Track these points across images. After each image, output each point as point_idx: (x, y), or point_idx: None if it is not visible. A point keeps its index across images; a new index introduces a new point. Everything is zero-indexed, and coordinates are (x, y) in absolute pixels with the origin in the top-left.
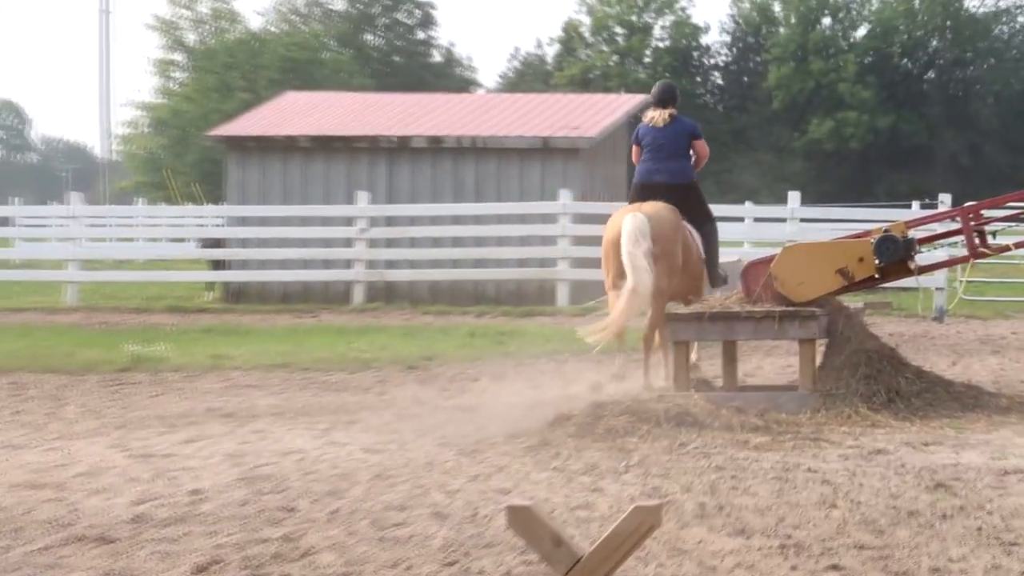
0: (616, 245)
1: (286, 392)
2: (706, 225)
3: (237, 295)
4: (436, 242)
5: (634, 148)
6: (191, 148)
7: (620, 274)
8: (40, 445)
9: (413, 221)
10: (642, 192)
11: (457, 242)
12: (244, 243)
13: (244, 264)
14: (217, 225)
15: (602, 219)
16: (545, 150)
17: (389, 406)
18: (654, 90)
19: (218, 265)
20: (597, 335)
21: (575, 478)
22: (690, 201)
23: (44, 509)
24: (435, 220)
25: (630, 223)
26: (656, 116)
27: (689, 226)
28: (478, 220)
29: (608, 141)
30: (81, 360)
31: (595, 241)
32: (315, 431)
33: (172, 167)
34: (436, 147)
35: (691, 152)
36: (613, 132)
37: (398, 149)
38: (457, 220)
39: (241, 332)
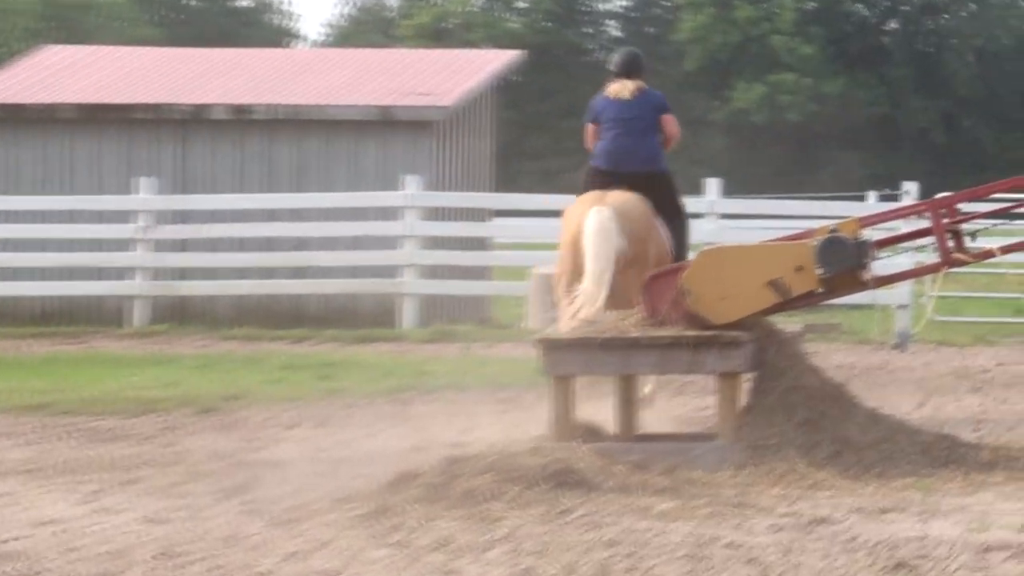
0: (576, 244)
1: (43, 442)
2: (675, 220)
3: None
4: (242, 244)
5: (590, 126)
6: None
7: (579, 278)
8: None
9: (212, 217)
10: (606, 179)
11: (270, 244)
12: None
13: None
14: None
15: (460, 214)
16: (385, 123)
17: (179, 461)
18: (617, 58)
19: None
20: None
21: (422, 556)
22: (660, 190)
23: None
24: (241, 216)
25: (595, 219)
26: (621, 88)
27: (659, 221)
28: (298, 216)
29: (469, 111)
30: None
31: (451, 243)
32: (80, 494)
33: None
34: (242, 119)
35: (660, 131)
36: (476, 99)
37: (192, 122)
38: (270, 216)
39: None
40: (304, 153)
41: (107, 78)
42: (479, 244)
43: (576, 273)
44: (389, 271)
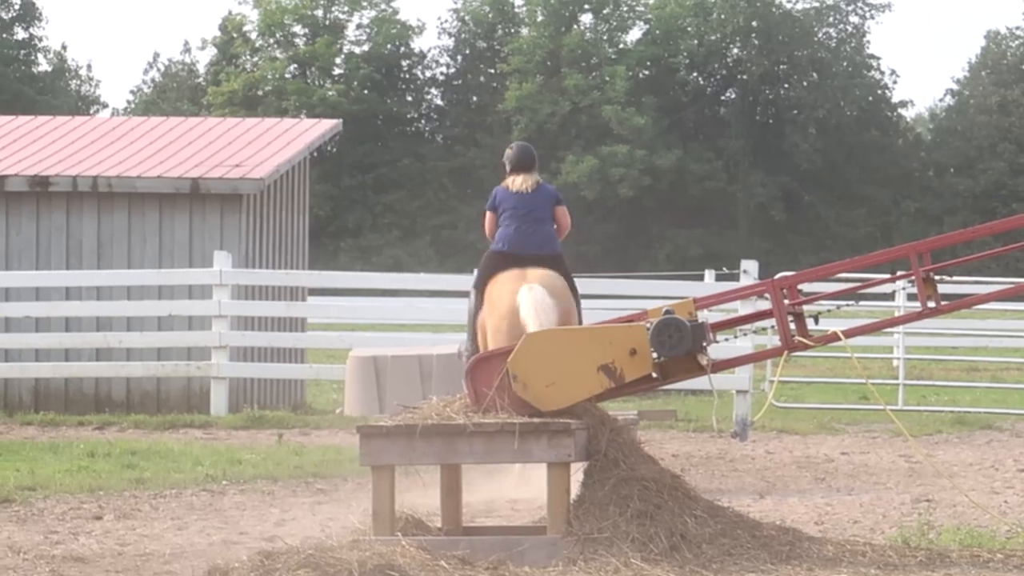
0: (512, 318)
1: None
2: (575, 296)
3: None
4: (42, 324)
5: (489, 215)
6: None
7: None
8: None
9: (8, 295)
10: (508, 261)
11: (72, 324)
12: None
13: None
14: None
15: (273, 292)
16: (195, 196)
17: None
18: (513, 153)
19: None
20: None
21: None
22: (560, 271)
23: None
24: (40, 293)
25: (530, 296)
26: (519, 182)
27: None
28: (101, 294)
29: (283, 184)
30: None
31: (264, 324)
32: None
33: None
34: (41, 191)
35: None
36: (290, 171)
37: None
38: (72, 293)
39: None
40: (109, 227)
41: None
42: (294, 324)
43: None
44: (199, 353)
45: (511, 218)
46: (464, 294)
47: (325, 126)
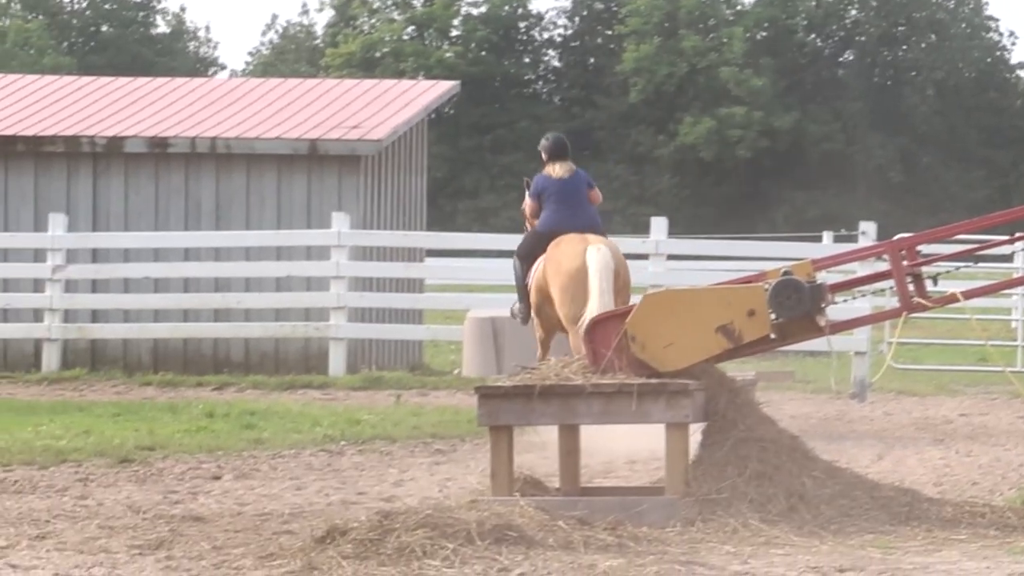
0: (579, 277)
1: None
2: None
3: None
4: (160, 285)
5: (530, 200)
6: None
7: (583, 310)
8: None
9: (128, 256)
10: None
11: (190, 285)
12: None
13: None
14: None
15: (393, 254)
16: (313, 157)
17: (94, 515)
18: (550, 144)
19: None
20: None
21: None
22: None
23: None
24: (159, 255)
25: (598, 256)
26: (559, 169)
27: None
28: (220, 255)
29: (401, 145)
30: None
31: (382, 285)
32: None
33: None
34: (160, 152)
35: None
36: (408, 133)
37: (107, 155)
38: (190, 255)
39: None
40: (227, 188)
41: (16, 108)
42: (411, 286)
43: (579, 306)
44: (316, 314)
45: (556, 202)
46: None
47: (442, 88)
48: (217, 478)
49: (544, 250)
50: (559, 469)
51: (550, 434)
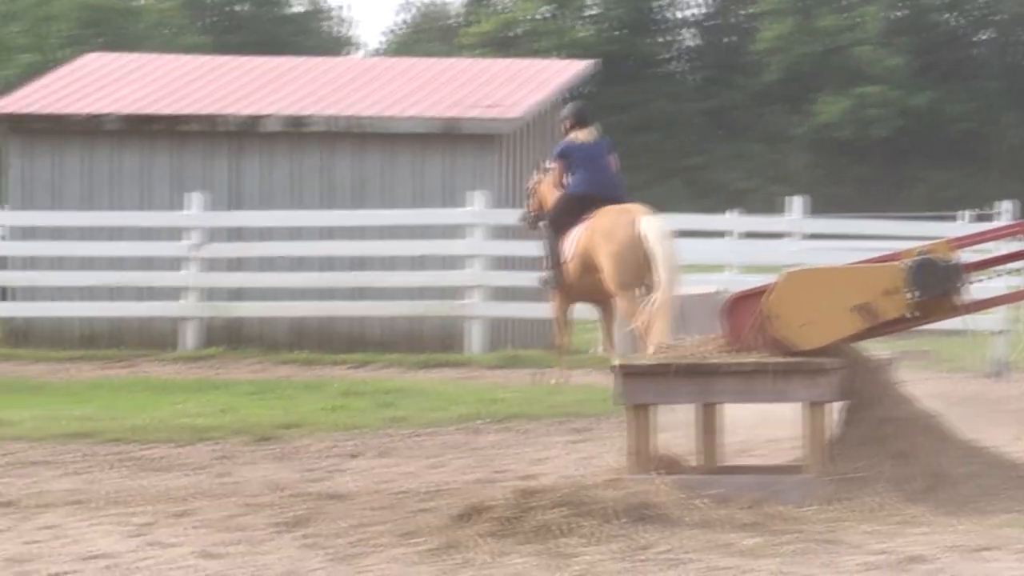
0: (635, 246)
1: (89, 472)
2: None
3: (21, 336)
4: (298, 264)
5: (558, 164)
6: None
7: (636, 278)
8: None
9: (266, 235)
10: (588, 202)
11: (328, 264)
12: (30, 263)
13: (31, 293)
14: None
15: (528, 232)
16: (450, 136)
17: (234, 492)
18: (573, 112)
19: None
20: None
21: None
22: None
23: None
24: (297, 233)
25: (655, 224)
26: (583, 134)
27: None
28: (357, 233)
29: (538, 124)
30: None
31: (520, 263)
32: (130, 527)
33: None
34: (298, 131)
35: None
36: (545, 112)
37: (245, 133)
38: (328, 233)
39: (26, 388)
40: (364, 167)
41: (155, 87)
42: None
43: (635, 273)
44: (454, 292)
45: (583, 166)
46: (718, 234)
47: (579, 67)
48: (356, 456)
49: (576, 213)
50: (697, 447)
51: (688, 413)
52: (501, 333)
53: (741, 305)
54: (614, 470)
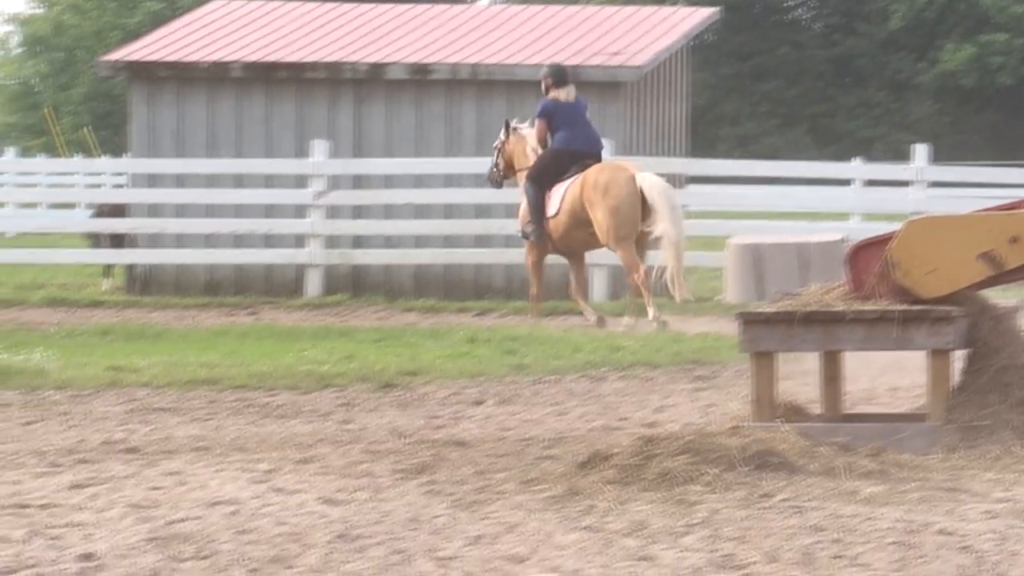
0: (634, 200)
1: (213, 419)
2: None
3: (145, 283)
4: (422, 211)
5: (541, 121)
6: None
7: (634, 231)
8: None
9: (389, 182)
10: (574, 157)
11: (452, 211)
12: (154, 211)
13: (154, 240)
14: (117, 185)
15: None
16: (574, 83)
17: (357, 439)
18: (553, 72)
19: (118, 241)
20: (683, 291)
21: (615, 541)
22: None
23: None
24: (420, 181)
25: (653, 179)
26: (564, 94)
27: None
28: (480, 181)
29: (662, 72)
30: None
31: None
32: (253, 473)
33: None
34: (422, 79)
35: None
36: (668, 60)
37: (369, 81)
38: (451, 181)
39: (150, 335)
40: (487, 115)
41: (279, 35)
42: None
43: (634, 230)
44: None
45: (566, 123)
46: (842, 182)
47: (703, 14)
48: (479, 403)
49: (560, 169)
50: (821, 395)
51: (812, 360)
52: (624, 280)
53: (865, 253)
54: (737, 418)
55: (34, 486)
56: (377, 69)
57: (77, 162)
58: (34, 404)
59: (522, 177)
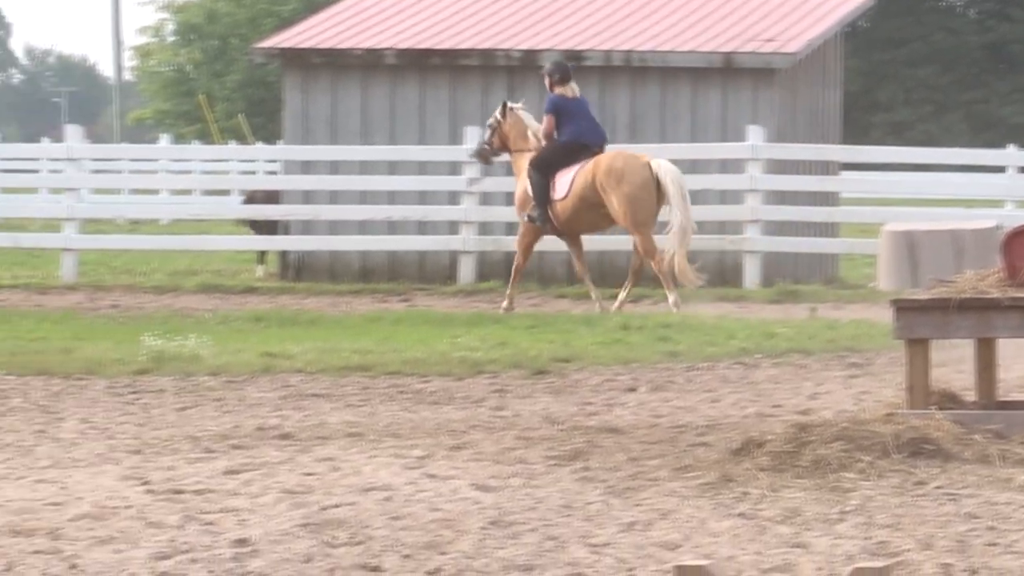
0: (649, 187)
1: (366, 405)
2: None
3: (298, 270)
4: None
5: (549, 117)
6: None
7: (651, 216)
8: (26, 476)
9: None
10: (582, 149)
11: None
12: (308, 197)
13: (308, 227)
14: (270, 172)
15: (805, 167)
16: (727, 71)
17: (510, 426)
18: (558, 68)
19: (271, 228)
20: (691, 276)
21: (769, 528)
22: None
23: (31, 564)
24: None
25: (668, 167)
26: (571, 90)
27: None
28: None
29: (815, 59)
30: (82, 359)
31: (797, 198)
32: (407, 459)
33: (208, 91)
34: (575, 65)
35: None
36: (822, 46)
37: (522, 68)
38: None
39: (304, 321)
40: (640, 102)
41: (432, 21)
42: (826, 199)
43: (652, 215)
44: (731, 227)
45: (574, 118)
46: (996, 169)
47: (857, 1)
48: (632, 390)
49: (569, 158)
50: (975, 382)
51: (966, 348)
52: (776, 267)
53: (1019, 240)
54: (891, 405)
55: (189, 472)
56: (530, 56)
57: (231, 149)
58: (189, 390)
59: (516, 159)
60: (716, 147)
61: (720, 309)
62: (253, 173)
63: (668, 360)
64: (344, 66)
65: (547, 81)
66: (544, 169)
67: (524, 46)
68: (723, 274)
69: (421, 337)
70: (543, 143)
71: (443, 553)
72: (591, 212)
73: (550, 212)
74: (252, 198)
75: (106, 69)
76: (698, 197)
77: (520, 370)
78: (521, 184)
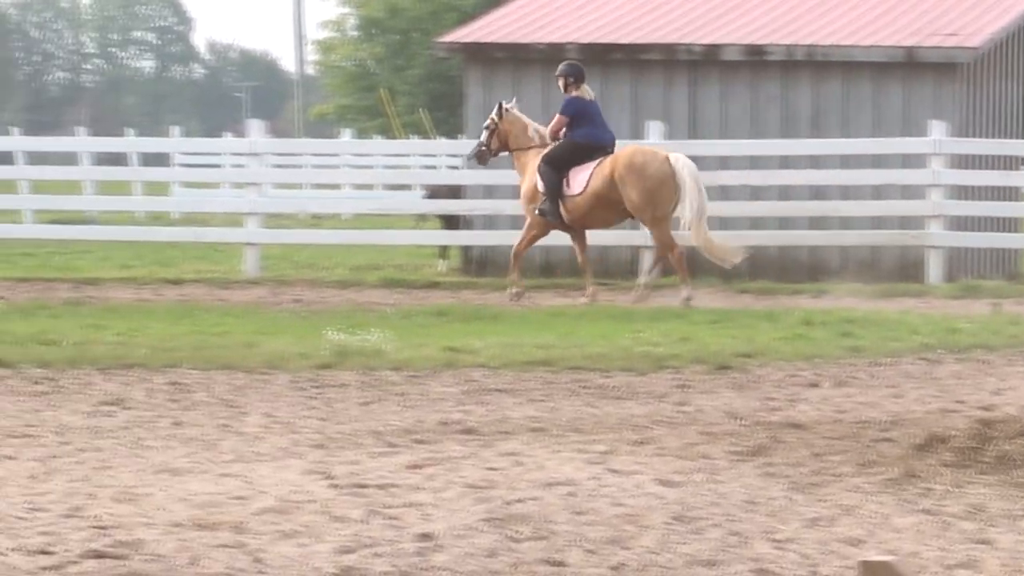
0: (669, 182)
1: (549, 400)
2: None
3: (481, 265)
4: (756, 193)
5: (562, 117)
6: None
7: (670, 210)
8: (210, 470)
9: (723, 163)
10: (594, 150)
11: (786, 193)
12: (490, 192)
13: (491, 222)
14: (452, 167)
15: (989, 162)
16: (909, 65)
17: (693, 421)
18: (574, 70)
19: (454, 223)
20: (731, 254)
21: (953, 524)
22: None
23: (216, 558)
24: (755, 162)
25: (685, 162)
26: (583, 92)
27: None
28: (815, 163)
29: (998, 53)
30: (265, 353)
31: (980, 193)
32: (590, 454)
33: (390, 85)
34: (756, 60)
35: None
36: (1004, 41)
37: (703, 62)
38: (786, 162)
39: (486, 316)
40: (822, 96)
41: (614, 16)
42: (1010, 194)
43: (670, 209)
44: (913, 222)
45: (590, 120)
46: None
47: None
48: (815, 386)
49: (583, 157)
50: None
51: None
52: (959, 263)
53: None
54: None
55: (372, 466)
56: (712, 50)
57: (413, 143)
58: (371, 384)
59: (519, 156)
60: (899, 142)
61: (902, 304)
62: (434, 168)
63: (851, 356)
64: (526, 60)
65: (562, 83)
66: (560, 165)
67: (706, 40)
68: (905, 269)
69: (603, 332)
70: (550, 141)
71: (626, 548)
72: (605, 209)
73: (561, 207)
74: (435, 193)
75: (288, 64)
76: (880, 192)
77: (702, 365)
78: (528, 179)
